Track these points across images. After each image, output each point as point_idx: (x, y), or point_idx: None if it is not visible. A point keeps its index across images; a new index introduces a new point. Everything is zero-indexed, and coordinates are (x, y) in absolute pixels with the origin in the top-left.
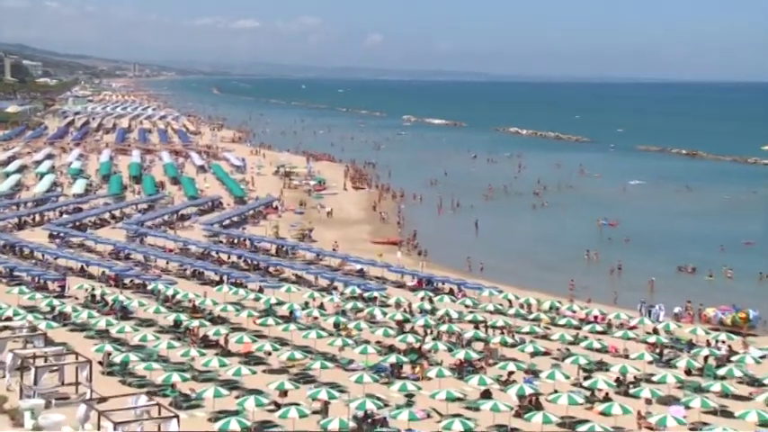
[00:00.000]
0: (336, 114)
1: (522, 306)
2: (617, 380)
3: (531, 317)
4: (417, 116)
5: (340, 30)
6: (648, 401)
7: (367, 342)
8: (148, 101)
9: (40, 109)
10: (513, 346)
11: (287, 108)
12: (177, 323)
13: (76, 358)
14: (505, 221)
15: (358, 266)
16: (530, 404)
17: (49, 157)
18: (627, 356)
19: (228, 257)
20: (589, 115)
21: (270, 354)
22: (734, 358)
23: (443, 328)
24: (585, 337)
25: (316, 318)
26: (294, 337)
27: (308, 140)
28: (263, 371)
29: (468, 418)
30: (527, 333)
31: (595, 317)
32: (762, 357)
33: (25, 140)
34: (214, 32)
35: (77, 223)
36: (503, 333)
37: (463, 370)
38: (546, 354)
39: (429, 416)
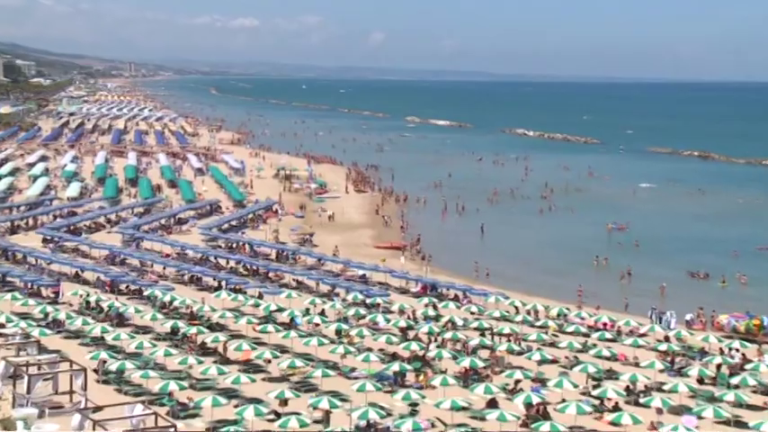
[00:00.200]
0: (338, 115)
1: (529, 313)
2: (627, 389)
3: (539, 324)
4: (421, 117)
5: (342, 28)
6: (659, 411)
7: (370, 350)
8: (145, 101)
9: (34, 110)
10: (519, 353)
11: (287, 109)
12: (174, 330)
13: (71, 366)
14: (512, 225)
15: (360, 272)
16: (537, 414)
17: (43, 159)
18: (637, 365)
19: (227, 262)
20: (598, 116)
21: (270, 361)
22: (748, 367)
23: (448, 335)
24: (594, 345)
25: (317, 324)
26: (295, 344)
27: (309, 142)
28: (263, 379)
29: (474, 428)
30: (534, 340)
31: (604, 324)
32: None
33: (18, 142)
34: (212, 31)
35: (72, 227)
36: (509, 340)
37: (468, 378)
38: (554, 362)
39: (433, 425)
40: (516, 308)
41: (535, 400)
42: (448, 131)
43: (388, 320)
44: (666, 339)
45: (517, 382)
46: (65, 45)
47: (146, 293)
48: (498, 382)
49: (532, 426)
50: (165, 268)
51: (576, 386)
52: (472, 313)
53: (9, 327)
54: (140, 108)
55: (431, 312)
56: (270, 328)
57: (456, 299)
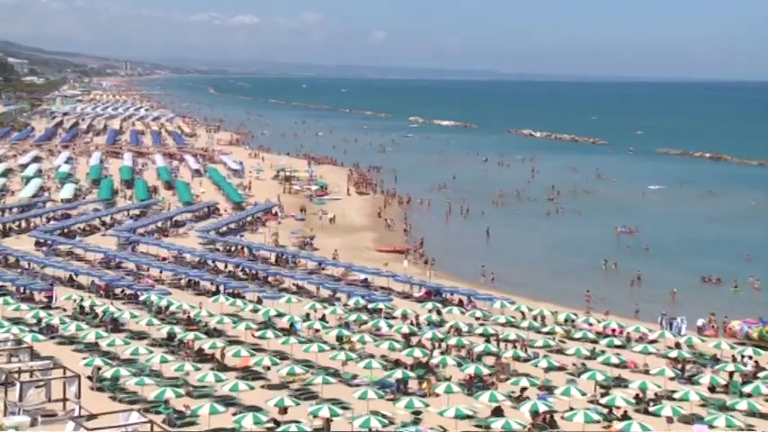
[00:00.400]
0: (339, 115)
1: (535, 318)
2: (636, 397)
3: (546, 330)
4: (424, 117)
5: (343, 26)
6: (670, 420)
7: (372, 356)
8: (141, 101)
9: (27, 109)
10: (525, 360)
11: (287, 109)
12: (171, 336)
13: (64, 373)
14: (518, 228)
15: (362, 276)
16: (544, 422)
17: (36, 160)
18: (647, 372)
19: (225, 266)
20: (606, 116)
21: (269, 368)
22: (761, 374)
23: (452, 341)
24: (603, 352)
25: (317, 330)
26: (295, 350)
27: (310, 143)
28: (262, 386)
29: None
30: (541, 347)
31: (613, 330)
32: None
33: (11, 142)
34: (210, 29)
35: (66, 230)
36: (515, 347)
37: (473, 386)
38: (561, 369)
39: None
40: (522, 313)
41: (542, 408)
42: (452, 132)
43: (390, 326)
44: (677, 346)
45: (523, 389)
46: (59, 43)
47: (141, 298)
48: (504, 390)
49: None
50: (161, 272)
51: (583, 394)
52: (477, 319)
53: (1, 332)
54: (136, 108)
55: (434, 318)
56: (269, 333)
57: (460, 304)
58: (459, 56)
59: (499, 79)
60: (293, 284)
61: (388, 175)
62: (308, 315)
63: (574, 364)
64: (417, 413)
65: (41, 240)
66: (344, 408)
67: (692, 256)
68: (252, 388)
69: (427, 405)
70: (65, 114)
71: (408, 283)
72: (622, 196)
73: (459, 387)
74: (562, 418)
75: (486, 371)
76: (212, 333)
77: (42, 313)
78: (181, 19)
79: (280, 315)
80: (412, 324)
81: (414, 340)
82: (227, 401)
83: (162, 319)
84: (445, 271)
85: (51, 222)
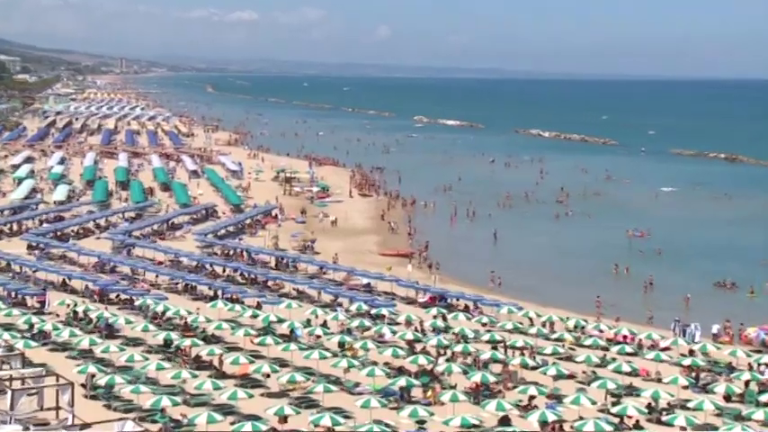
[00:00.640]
0: (341, 115)
1: (544, 325)
2: (648, 406)
3: (554, 336)
4: (429, 117)
5: (345, 23)
6: (683, 430)
7: (374, 363)
8: (137, 99)
9: (19, 108)
10: (534, 368)
11: (287, 108)
12: (167, 342)
13: (57, 380)
14: (526, 232)
15: (365, 280)
16: None
17: (28, 160)
18: (659, 380)
19: (224, 270)
20: (617, 116)
21: (268, 376)
22: None
23: (458, 348)
24: (614, 359)
25: (318, 337)
26: (295, 357)
27: (311, 143)
28: (261, 394)
29: None
30: (549, 354)
31: (624, 337)
32: None
33: (2, 142)
34: (209, 25)
35: (59, 233)
36: (523, 354)
37: (479, 394)
38: (570, 377)
39: None
40: (530, 319)
41: (551, 417)
42: (458, 132)
43: (394, 332)
44: (691, 353)
45: (531, 398)
46: (52, 40)
47: (137, 303)
48: (511, 399)
49: None
50: (157, 276)
51: (594, 403)
52: (483, 325)
53: None
54: (132, 107)
55: (440, 324)
56: (269, 340)
57: (466, 310)
58: (465, 53)
59: (506, 77)
60: (294, 289)
61: (392, 177)
62: (308, 321)
63: (584, 372)
64: (422, 422)
65: (34, 243)
66: (346, 417)
67: (706, 260)
68: (251, 396)
69: (432, 414)
70: (58, 113)
71: (412, 287)
72: (634, 198)
73: (465, 395)
74: (572, 427)
75: (492, 379)
76: (210, 339)
77: (34, 319)
78: (178, 15)
79: (280, 321)
80: (416, 330)
81: (418, 347)
82: (226, 410)
83: (158, 324)
84: (450, 275)
85: (44, 225)
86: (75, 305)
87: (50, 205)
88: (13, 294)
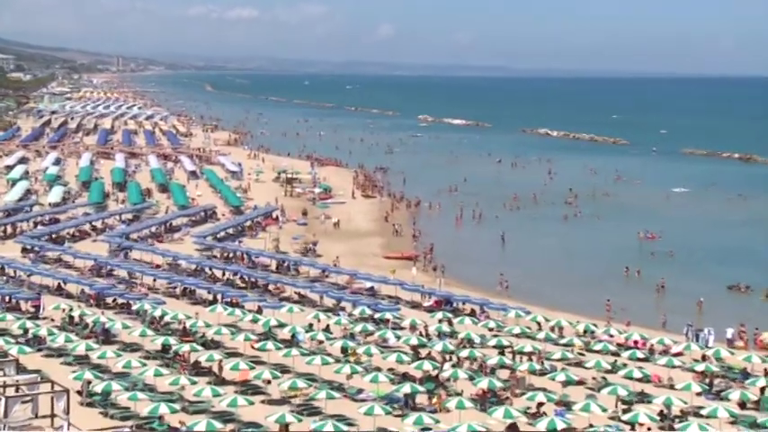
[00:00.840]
0: (344, 114)
1: (552, 329)
2: (661, 413)
3: (563, 341)
4: (434, 116)
5: (348, 20)
6: None
7: (378, 369)
8: (134, 98)
9: (13, 108)
10: (542, 374)
11: (288, 107)
12: (165, 348)
13: (52, 387)
14: (533, 234)
15: (368, 284)
16: None
17: (23, 161)
18: (672, 387)
19: (223, 274)
20: (628, 115)
21: (269, 382)
22: None
23: (464, 353)
24: (625, 365)
25: (321, 342)
26: (296, 363)
27: (312, 143)
28: (262, 401)
29: None
30: (558, 359)
31: (636, 342)
32: None
33: None
34: (207, 22)
35: (54, 236)
36: (531, 359)
37: (486, 401)
38: (580, 383)
39: None
40: (539, 324)
41: (560, 425)
42: (464, 131)
43: (398, 337)
44: (704, 359)
45: (540, 405)
46: (47, 37)
47: (134, 308)
48: (519, 406)
49: None
50: (155, 280)
51: (604, 410)
52: (490, 330)
53: None
54: (129, 106)
55: (445, 328)
56: (269, 345)
57: (472, 314)
58: (470, 51)
59: (513, 75)
60: (295, 293)
61: (396, 178)
62: (310, 325)
63: (594, 379)
64: (427, 430)
65: (28, 246)
66: (349, 424)
67: (719, 262)
68: (251, 403)
69: (437, 421)
70: (53, 113)
71: (417, 291)
72: (645, 199)
73: (471, 402)
74: None
75: (499, 385)
76: (209, 345)
77: (29, 324)
78: (176, 12)
79: (281, 325)
80: (421, 335)
81: (423, 352)
82: (226, 417)
83: (156, 329)
84: (456, 279)
85: (39, 227)
86: (71, 310)
87: (45, 207)
88: (6, 299)
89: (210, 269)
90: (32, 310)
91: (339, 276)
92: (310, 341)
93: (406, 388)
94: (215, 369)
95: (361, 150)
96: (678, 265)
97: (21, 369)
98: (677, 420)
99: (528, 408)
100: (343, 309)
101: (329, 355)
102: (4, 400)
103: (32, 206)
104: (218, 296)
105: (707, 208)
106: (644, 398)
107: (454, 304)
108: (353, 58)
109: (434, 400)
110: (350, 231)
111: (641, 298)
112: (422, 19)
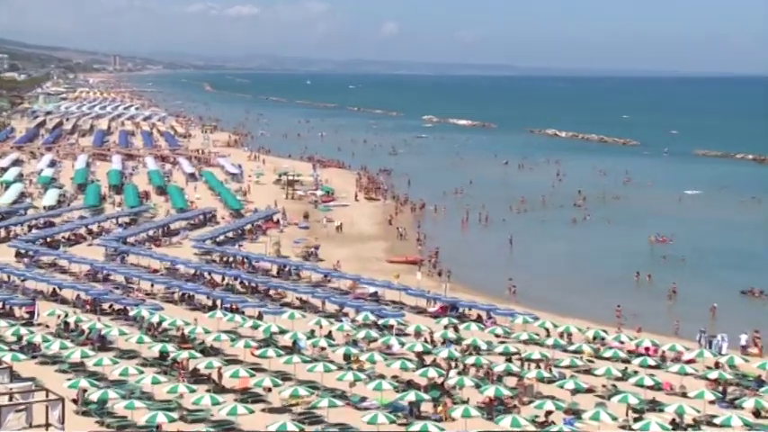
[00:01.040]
0: (346, 114)
1: (561, 336)
2: (673, 422)
3: (572, 348)
4: (439, 116)
5: (351, 17)
6: None
7: (382, 377)
8: (131, 99)
9: (6, 108)
10: (551, 381)
11: (289, 107)
12: (163, 355)
13: (47, 395)
14: (541, 237)
15: (372, 289)
16: None
17: (17, 163)
18: (684, 395)
19: (223, 279)
20: (639, 115)
21: (270, 390)
22: None
23: (470, 360)
24: (635, 372)
25: (323, 348)
26: (298, 370)
27: (314, 144)
28: (263, 410)
29: None
30: (567, 367)
31: (647, 348)
32: None
33: None
34: (207, 20)
35: (49, 240)
36: (539, 367)
37: (493, 409)
38: (589, 391)
39: None
40: (547, 330)
41: None
42: (469, 132)
43: (402, 344)
44: (717, 366)
45: (548, 413)
46: (42, 36)
47: (131, 314)
48: (527, 414)
49: None
50: (152, 285)
51: (614, 419)
52: (497, 336)
53: None
54: (126, 106)
55: (451, 335)
56: (270, 352)
57: (479, 320)
58: (476, 50)
59: (520, 74)
60: (296, 298)
61: (400, 180)
62: (312, 332)
63: (604, 386)
64: None
65: (22, 251)
66: None
67: (733, 267)
68: (251, 412)
69: (443, 430)
70: (48, 114)
71: (422, 296)
72: (656, 202)
73: (477, 410)
74: None
75: (507, 393)
76: (208, 351)
77: (23, 330)
78: (175, 10)
79: (282, 332)
80: (426, 342)
81: (428, 359)
82: (225, 426)
83: (153, 336)
84: (462, 283)
85: (33, 231)
86: (66, 316)
87: (40, 210)
88: (0, 305)
89: (210, 274)
90: (27, 316)
91: (342, 281)
92: (312, 348)
93: (411, 396)
94: (214, 376)
95: (364, 152)
96: (690, 270)
97: (15, 377)
98: (690, 429)
99: (536, 416)
100: (345, 314)
101: (331, 362)
102: None
103: (27, 209)
104: (218, 302)
105: (720, 211)
106: (655, 406)
107: (460, 310)
108: (356, 56)
109: (440, 408)
110: (353, 235)
111: (652, 303)
112: (425, 17)
